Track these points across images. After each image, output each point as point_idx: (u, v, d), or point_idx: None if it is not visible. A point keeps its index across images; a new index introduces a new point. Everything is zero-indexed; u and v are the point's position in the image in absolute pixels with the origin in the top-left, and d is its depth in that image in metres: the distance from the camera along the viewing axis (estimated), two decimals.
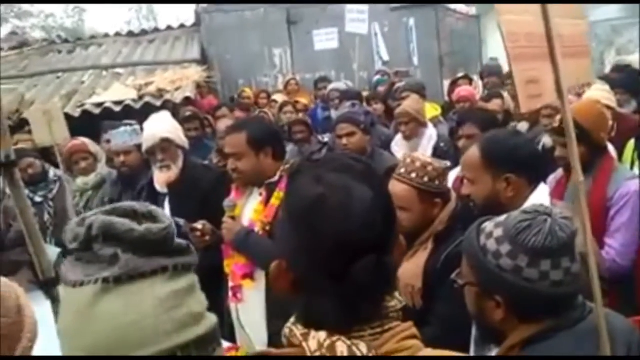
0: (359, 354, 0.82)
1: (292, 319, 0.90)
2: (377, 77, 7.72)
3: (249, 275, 2.55)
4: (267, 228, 2.50)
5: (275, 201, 2.52)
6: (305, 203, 0.86)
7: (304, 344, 0.85)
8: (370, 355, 0.82)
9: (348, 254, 0.83)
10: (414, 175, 2.10)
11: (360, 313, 0.85)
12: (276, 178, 2.56)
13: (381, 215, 0.86)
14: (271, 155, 2.57)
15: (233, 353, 2.56)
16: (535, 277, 1.17)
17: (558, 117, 2.55)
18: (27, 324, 0.94)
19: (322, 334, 0.84)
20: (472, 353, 1.71)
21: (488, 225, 1.27)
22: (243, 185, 2.64)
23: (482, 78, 6.22)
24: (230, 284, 2.64)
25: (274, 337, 2.45)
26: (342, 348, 0.82)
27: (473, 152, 1.95)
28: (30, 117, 4.54)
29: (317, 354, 0.83)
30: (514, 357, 1.19)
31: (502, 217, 1.27)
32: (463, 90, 5.45)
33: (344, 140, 3.58)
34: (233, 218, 2.60)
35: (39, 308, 1.50)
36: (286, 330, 0.89)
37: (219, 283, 2.83)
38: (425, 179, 2.09)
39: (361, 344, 0.83)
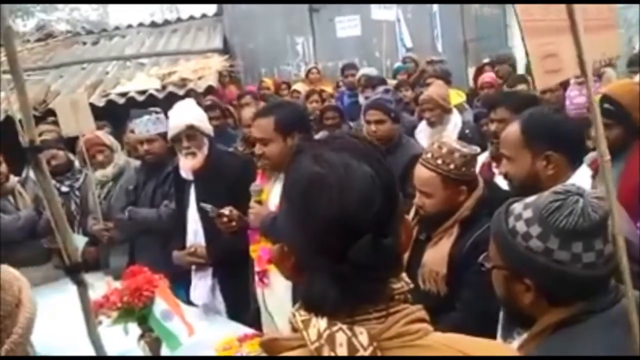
0: (358, 346, 0.80)
1: (297, 304, 0.89)
2: (398, 64, 7.65)
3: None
4: None
5: None
6: (302, 182, 0.85)
7: (304, 333, 0.83)
8: (372, 347, 0.80)
9: (346, 234, 0.81)
10: (439, 161, 2.06)
11: (361, 295, 0.83)
12: None
13: (381, 194, 0.84)
14: (300, 140, 2.54)
15: (254, 340, 2.58)
16: (567, 259, 1.14)
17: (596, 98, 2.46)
18: (22, 319, 0.93)
19: (323, 323, 0.82)
20: (499, 339, 1.68)
21: (517, 207, 1.23)
22: (270, 170, 2.63)
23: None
24: (257, 268, 2.64)
25: None
26: (341, 339, 0.80)
27: (513, 128, 1.89)
28: (56, 107, 4.58)
29: (316, 344, 0.81)
30: (522, 357, 1.14)
31: (532, 198, 1.23)
32: (486, 76, 5.38)
33: (373, 127, 3.50)
34: (260, 203, 2.60)
35: (63, 295, 1.54)
36: (290, 315, 0.88)
37: (245, 269, 2.84)
38: (451, 166, 2.06)
39: (363, 333, 0.81)
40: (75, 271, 1.65)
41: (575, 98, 3.77)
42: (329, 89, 6.95)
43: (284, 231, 0.90)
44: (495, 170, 2.89)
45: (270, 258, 2.53)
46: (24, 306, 0.94)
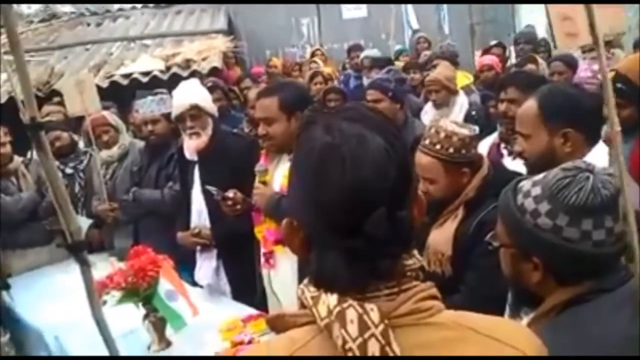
0: (369, 323, 0.77)
1: (306, 280, 0.86)
2: (399, 46, 7.56)
3: (281, 241, 2.53)
4: None
5: None
6: (313, 153, 0.82)
7: (313, 309, 0.81)
8: (383, 324, 0.78)
9: (359, 206, 0.78)
10: (438, 146, 2.03)
11: (374, 270, 0.81)
12: None
13: (395, 166, 0.81)
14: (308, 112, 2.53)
15: (258, 321, 2.58)
16: (576, 237, 1.12)
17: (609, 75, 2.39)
18: None
19: (333, 299, 0.80)
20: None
21: (525, 184, 1.21)
22: (273, 151, 2.61)
23: (516, 44, 5.99)
24: (262, 250, 2.63)
25: None
26: (351, 316, 0.78)
27: (529, 105, 1.84)
28: (62, 87, 4.56)
29: (326, 320, 0.79)
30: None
31: (540, 175, 1.20)
32: (486, 58, 5.31)
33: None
34: (264, 183, 2.58)
35: (66, 275, 1.53)
36: (299, 291, 0.86)
37: (250, 250, 2.83)
38: (451, 150, 2.02)
39: (374, 310, 0.78)
40: (78, 250, 1.64)
41: (581, 72, 3.71)
42: (328, 70, 6.89)
43: (293, 205, 0.87)
44: (504, 152, 2.86)
45: (276, 239, 2.53)
46: None
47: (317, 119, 0.87)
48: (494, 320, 0.88)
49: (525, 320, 1.23)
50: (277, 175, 2.61)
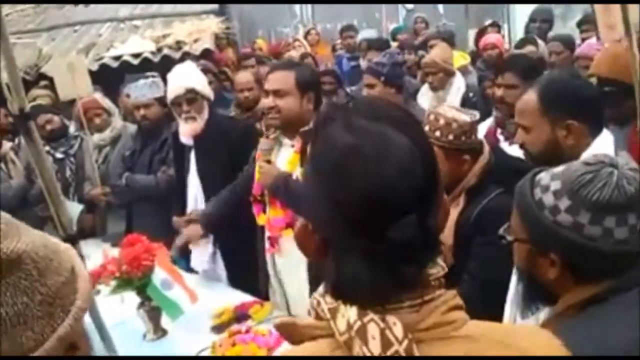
0: (392, 339, 0.72)
1: (321, 288, 0.81)
2: (394, 25, 7.46)
3: (291, 225, 2.46)
4: None
5: None
6: (334, 154, 0.76)
7: (331, 323, 0.76)
8: (407, 339, 0.72)
9: (383, 210, 0.73)
10: (437, 133, 1.97)
11: (397, 279, 0.75)
12: (311, 126, 2.49)
13: (421, 167, 0.76)
14: (312, 103, 2.49)
15: (257, 308, 2.55)
16: (598, 234, 1.07)
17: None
18: (81, 285, 0.87)
19: (353, 312, 0.74)
20: (508, 311, 1.63)
21: (543, 177, 1.16)
22: (276, 126, 2.53)
23: (532, 22, 5.83)
24: (267, 233, 2.59)
25: (313, 288, 2.41)
26: (373, 331, 0.72)
27: (529, 97, 1.79)
28: (53, 70, 4.46)
29: (346, 336, 0.74)
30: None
31: (559, 169, 1.15)
32: (490, 37, 5.24)
33: (365, 92, 3.50)
34: (269, 162, 2.52)
35: None
36: (314, 301, 0.80)
37: (248, 235, 2.78)
38: (450, 136, 1.97)
39: (397, 324, 0.73)
40: (71, 243, 1.59)
41: (584, 49, 3.67)
42: (324, 51, 6.79)
43: (310, 207, 0.82)
44: (500, 137, 2.82)
45: (287, 224, 2.48)
46: (78, 271, 0.88)
47: (335, 115, 0.80)
48: (522, 331, 0.84)
49: (542, 314, 1.19)
50: (280, 159, 2.56)
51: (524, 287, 1.23)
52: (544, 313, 1.19)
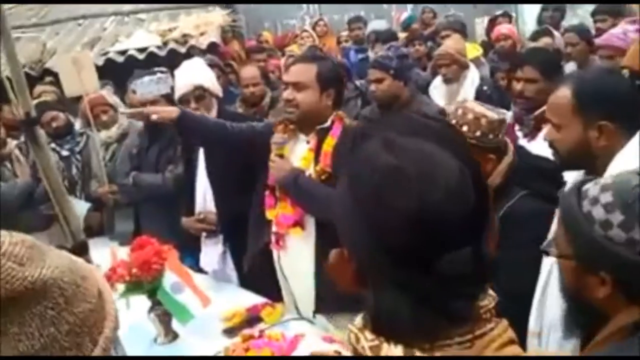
0: None
1: (358, 321, 0.73)
2: (405, 13, 7.34)
3: (299, 223, 2.41)
4: (324, 177, 2.35)
5: (327, 148, 2.37)
6: (374, 176, 0.68)
7: None
8: None
9: (432, 242, 0.65)
10: (465, 128, 1.89)
11: (446, 314, 0.68)
12: (328, 124, 2.42)
13: (473, 188, 0.68)
14: (332, 99, 2.42)
15: (269, 310, 2.49)
16: None
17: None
18: (109, 310, 0.80)
19: (398, 351, 0.67)
20: (532, 325, 1.56)
21: (591, 189, 1.07)
22: (293, 120, 2.46)
23: (544, 11, 5.71)
24: (274, 229, 2.52)
25: (322, 288, 2.37)
26: None
27: (562, 94, 1.70)
28: (58, 66, 4.39)
29: None
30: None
31: (608, 179, 1.07)
32: (503, 27, 5.13)
33: (372, 87, 3.42)
34: (282, 156, 2.45)
35: None
36: (351, 335, 0.73)
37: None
38: (478, 133, 1.89)
39: None
40: (80, 252, 1.53)
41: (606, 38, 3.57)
42: (332, 43, 6.69)
43: (346, 233, 0.74)
44: (519, 133, 2.73)
45: (295, 222, 2.42)
46: (105, 295, 0.81)
47: (372, 131, 0.73)
48: None
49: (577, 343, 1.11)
50: (294, 155, 2.49)
51: (567, 307, 1.14)
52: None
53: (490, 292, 0.74)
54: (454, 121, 1.93)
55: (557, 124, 1.70)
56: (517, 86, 2.69)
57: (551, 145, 1.74)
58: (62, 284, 0.72)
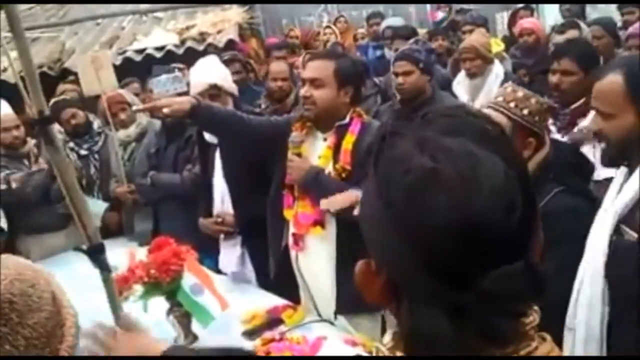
0: None
1: (388, 339, 0.67)
2: (441, 13, 7.23)
3: (319, 222, 2.35)
4: (344, 175, 2.30)
5: (347, 145, 2.32)
6: (407, 180, 0.60)
7: None
8: None
9: (475, 255, 0.58)
10: (512, 104, 1.85)
11: (487, 333, 0.60)
12: (346, 121, 2.36)
13: (521, 194, 0.60)
14: (350, 97, 2.37)
15: (290, 312, 2.44)
16: None
17: None
18: (66, 315, 0.74)
19: None
20: (569, 338, 1.48)
21: None
22: (310, 116, 2.41)
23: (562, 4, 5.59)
24: (292, 230, 2.47)
25: (343, 288, 2.31)
26: None
27: (614, 80, 1.58)
28: (78, 65, 4.40)
29: None
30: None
31: None
32: (526, 21, 5.02)
33: (400, 79, 3.34)
34: (299, 155, 2.40)
35: (86, 263, 1.41)
36: (379, 354, 0.67)
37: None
38: (525, 111, 1.84)
39: None
40: (97, 254, 1.48)
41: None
42: (351, 40, 6.61)
43: (375, 241, 0.66)
44: (552, 127, 2.64)
45: (315, 221, 2.36)
46: (62, 301, 0.75)
47: (403, 129, 0.65)
48: None
49: None
50: (311, 153, 2.43)
51: None
52: None
53: (535, 307, 0.66)
54: (501, 98, 1.89)
55: (606, 113, 1.58)
56: (553, 78, 2.61)
57: (598, 134, 1.64)
58: (11, 297, 0.67)
